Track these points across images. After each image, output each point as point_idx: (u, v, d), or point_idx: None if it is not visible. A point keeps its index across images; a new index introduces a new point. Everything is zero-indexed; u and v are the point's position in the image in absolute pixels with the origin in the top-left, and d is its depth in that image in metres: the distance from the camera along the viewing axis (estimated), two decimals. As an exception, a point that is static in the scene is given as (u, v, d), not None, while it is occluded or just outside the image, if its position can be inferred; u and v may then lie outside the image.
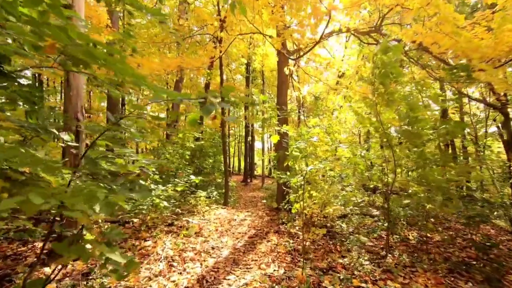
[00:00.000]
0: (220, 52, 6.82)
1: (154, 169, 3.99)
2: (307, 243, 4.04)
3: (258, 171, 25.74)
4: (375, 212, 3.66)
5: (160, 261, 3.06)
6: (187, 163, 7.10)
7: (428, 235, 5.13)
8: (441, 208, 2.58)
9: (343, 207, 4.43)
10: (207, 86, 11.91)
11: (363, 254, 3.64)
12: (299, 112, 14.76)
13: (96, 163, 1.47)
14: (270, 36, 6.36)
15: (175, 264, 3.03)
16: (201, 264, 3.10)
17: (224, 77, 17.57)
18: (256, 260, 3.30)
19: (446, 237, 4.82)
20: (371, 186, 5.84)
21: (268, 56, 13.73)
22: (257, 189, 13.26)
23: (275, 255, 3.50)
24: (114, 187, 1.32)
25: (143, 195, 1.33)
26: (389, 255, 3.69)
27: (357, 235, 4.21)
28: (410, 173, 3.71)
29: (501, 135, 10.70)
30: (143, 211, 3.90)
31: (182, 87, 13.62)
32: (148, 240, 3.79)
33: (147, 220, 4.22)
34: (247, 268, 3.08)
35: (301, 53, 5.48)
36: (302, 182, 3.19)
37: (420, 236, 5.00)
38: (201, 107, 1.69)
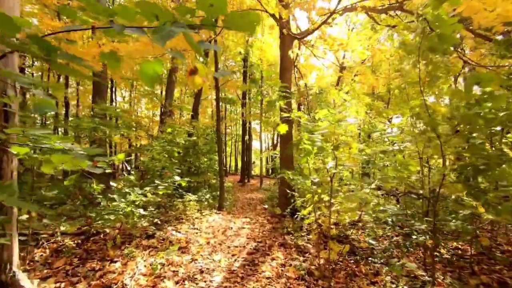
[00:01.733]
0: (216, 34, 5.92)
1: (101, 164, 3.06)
2: (322, 261, 3.18)
3: (255, 170, 24.88)
4: (418, 225, 2.83)
5: (124, 298, 2.16)
6: (177, 161, 6.19)
7: (460, 246, 4.35)
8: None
9: (367, 216, 3.59)
10: (201, 78, 10.97)
11: (398, 278, 2.79)
12: (299, 108, 13.92)
13: None
14: (273, 15, 5.49)
15: (144, 302, 2.13)
16: (182, 300, 2.22)
17: (221, 72, 16.69)
18: (259, 292, 2.42)
19: (483, 249, 4.01)
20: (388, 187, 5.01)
21: (267, 48, 12.92)
22: (255, 190, 12.38)
23: (284, 283, 2.62)
24: None
25: None
26: (430, 278, 2.84)
27: (392, 257, 3.37)
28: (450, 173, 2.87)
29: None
30: (108, 223, 2.99)
31: (176, 81, 12.70)
32: (117, 261, 2.88)
33: (115, 234, 3.31)
34: (247, 305, 2.20)
35: (310, 30, 4.61)
36: (328, 184, 2.33)
37: (452, 248, 4.20)
38: (154, 32, 0.82)
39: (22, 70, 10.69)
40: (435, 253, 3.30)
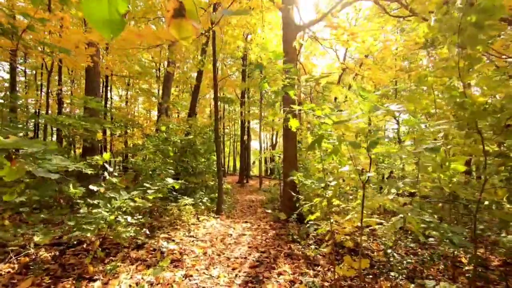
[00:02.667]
0: (213, 25, 5.50)
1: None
2: (336, 276, 2.76)
3: (254, 171, 24.48)
4: (453, 236, 2.41)
5: (99, 333, 1.72)
6: (172, 161, 5.74)
7: (480, 254, 3.95)
8: None
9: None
10: (199, 75, 10.55)
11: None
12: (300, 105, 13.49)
13: None
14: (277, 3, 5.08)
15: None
16: (172, 335, 1.78)
17: (220, 72, 16.24)
18: (266, 321, 1.98)
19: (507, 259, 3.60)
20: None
21: (267, 44, 12.47)
22: (255, 191, 11.95)
23: (295, 307, 2.20)
24: None
25: None
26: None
27: (412, 270, 2.95)
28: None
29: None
30: (88, 234, 2.54)
31: (173, 79, 12.27)
32: (96, 279, 2.44)
33: (96, 246, 2.86)
34: None
35: (316, 20, 4.19)
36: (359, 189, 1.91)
37: (472, 256, 3.79)
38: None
39: (13, 67, 10.21)
40: (474, 267, 2.89)
